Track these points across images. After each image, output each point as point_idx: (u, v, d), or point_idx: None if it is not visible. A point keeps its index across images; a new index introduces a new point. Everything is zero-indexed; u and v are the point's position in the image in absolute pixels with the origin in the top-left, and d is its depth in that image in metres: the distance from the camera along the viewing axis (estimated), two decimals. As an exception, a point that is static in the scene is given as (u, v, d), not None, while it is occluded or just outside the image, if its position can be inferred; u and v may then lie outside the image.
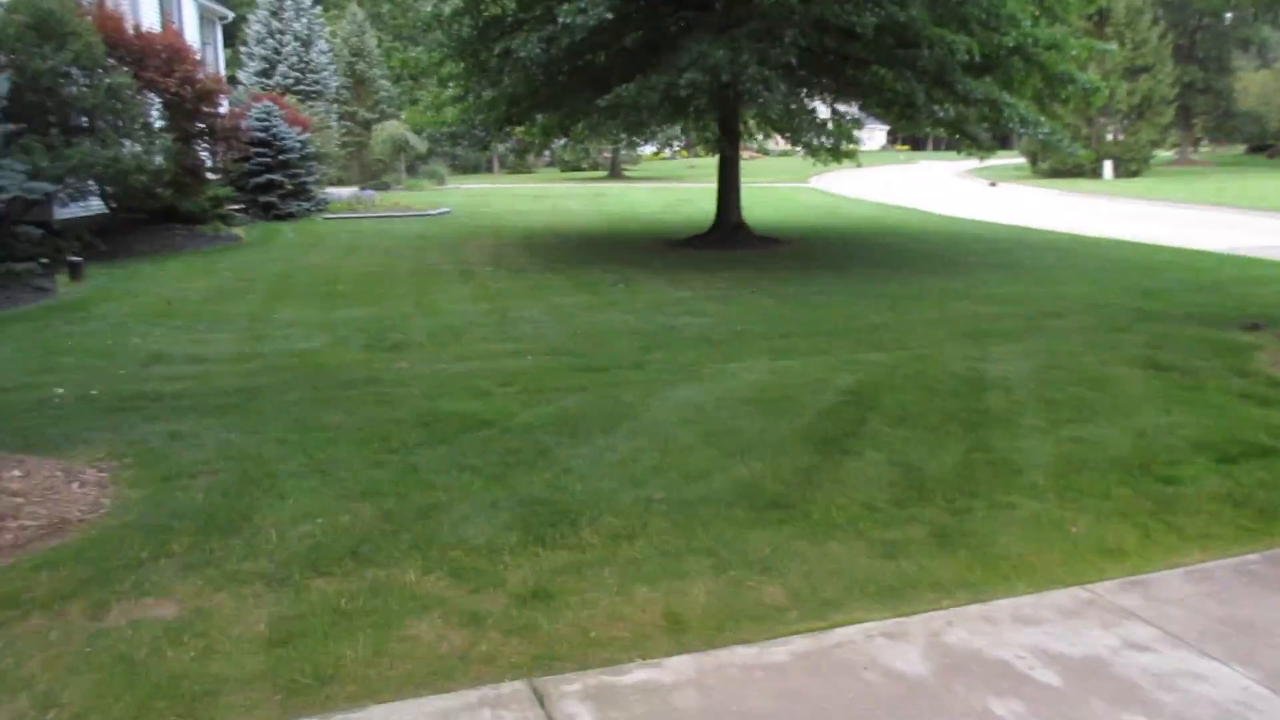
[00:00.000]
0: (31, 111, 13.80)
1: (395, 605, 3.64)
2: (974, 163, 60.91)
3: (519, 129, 17.19)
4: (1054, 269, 13.44)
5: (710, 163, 64.04)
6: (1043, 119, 13.82)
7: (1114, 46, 14.47)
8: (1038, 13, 14.57)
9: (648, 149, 63.05)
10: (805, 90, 16.45)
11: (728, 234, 16.87)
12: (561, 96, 15.02)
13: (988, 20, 13.58)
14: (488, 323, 9.86)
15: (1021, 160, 54.32)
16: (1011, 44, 13.56)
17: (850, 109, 19.44)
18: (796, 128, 19.05)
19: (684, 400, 6.53)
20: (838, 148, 20.21)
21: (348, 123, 39.95)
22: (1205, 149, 62.82)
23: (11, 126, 12.24)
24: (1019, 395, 6.64)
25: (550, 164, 59.61)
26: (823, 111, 18.53)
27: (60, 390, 6.98)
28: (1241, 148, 61.53)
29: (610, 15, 11.75)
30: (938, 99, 13.51)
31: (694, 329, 9.27)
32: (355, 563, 4.00)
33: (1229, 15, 53.01)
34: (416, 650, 3.34)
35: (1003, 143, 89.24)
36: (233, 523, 4.39)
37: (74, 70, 14.65)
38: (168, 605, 3.65)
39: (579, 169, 54.16)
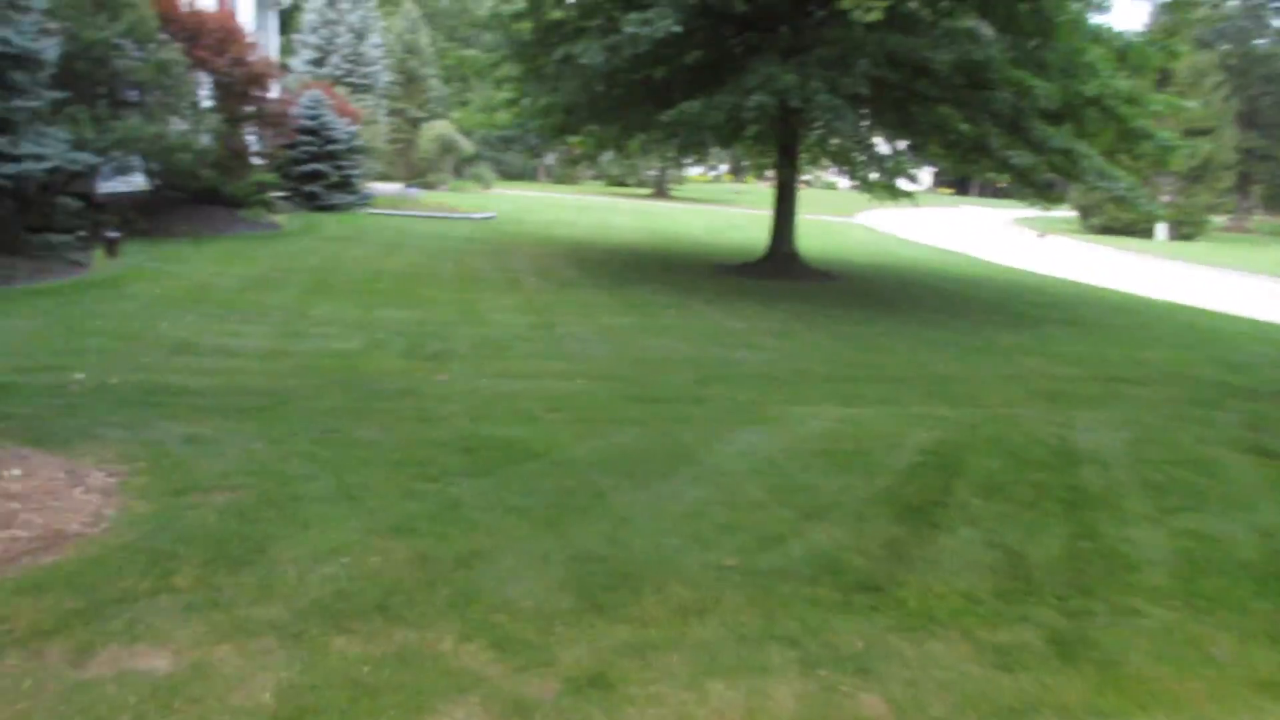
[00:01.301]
0: (81, 82, 13.49)
1: (427, 681, 3.08)
2: (1021, 211, 60.14)
3: (573, 139, 16.70)
4: (1125, 330, 12.75)
5: (756, 189, 63.64)
6: (1119, 173, 13.15)
7: (1195, 104, 13.76)
8: (1118, 64, 13.97)
9: (695, 170, 62.79)
10: (870, 123, 15.90)
11: (781, 264, 16.28)
12: (620, 108, 14.54)
13: (1067, 67, 12.99)
14: (533, 338, 9.32)
15: (1070, 213, 53.54)
16: (1091, 93, 12.97)
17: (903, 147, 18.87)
18: (856, 161, 18.56)
19: (750, 446, 5.95)
20: (894, 185, 19.76)
21: (396, 119, 39.78)
22: (1259, 217, 61.59)
23: (58, 94, 12.00)
24: (1117, 473, 6.00)
25: (596, 177, 59.38)
26: (883, 147, 17.98)
27: (80, 376, 6.51)
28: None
29: (678, 29, 11.23)
30: (1012, 144, 12.87)
31: (753, 364, 8.69)
32: (384, 619, 3.44)
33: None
34: (452, 746, 2.78)
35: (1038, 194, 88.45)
36: (247, 554, 3.85)
37: (126, 43, 14.34)
38: (162, 655, 3.11)
39: (624, 184, 53.82)
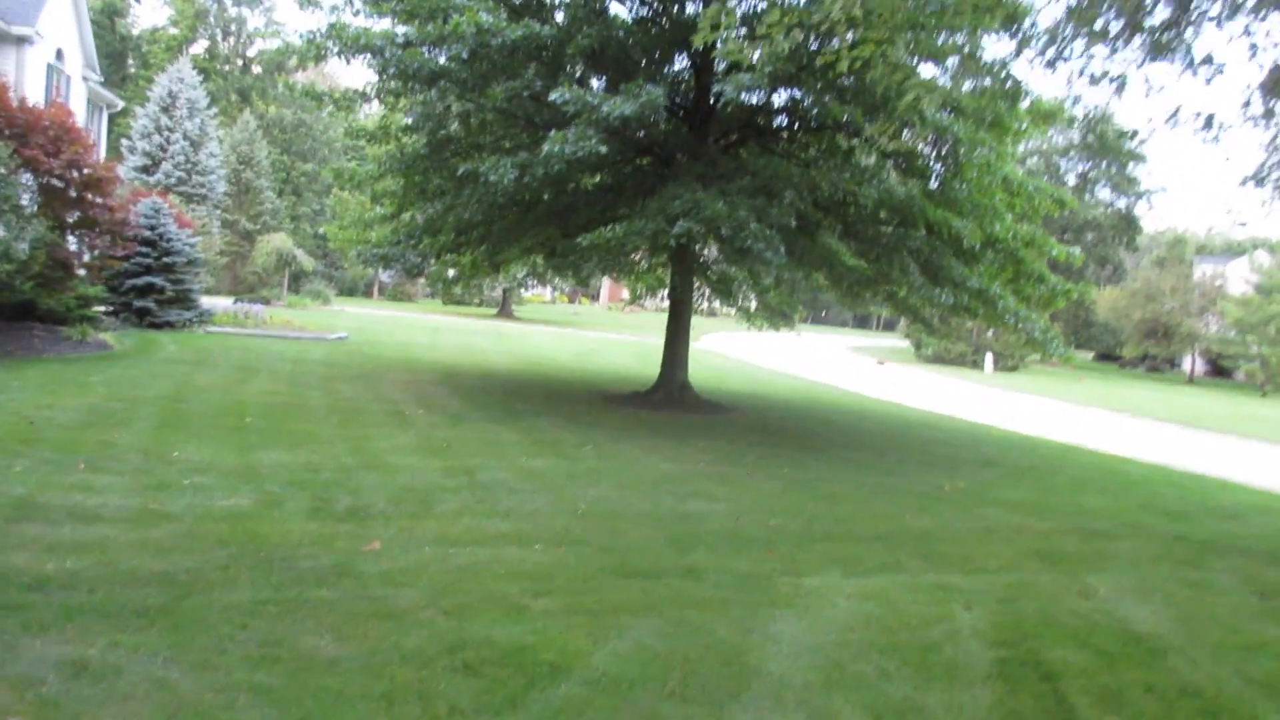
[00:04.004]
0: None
1: None
2: (851, 339, 62.52)
3: (457, 257, 15.54)
4: (1042, 473, 12.47)
5: (591, 310, 63.70)
6: (1033, 315, 13.13)
7: (1078, 251, 14.07)
8: (1014, 210, 14.20)
9: (532, 290, 62.39)
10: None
11: (673, 394, 15.44)
12: (518, 229, 13.57)
13: (975, 209, 13.03)
14: (454, 487, 7.95)
15: (899, 343, 56.17)
16: (1000, 235, 13.02)
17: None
18: (737, 290, 18.22)
19: (797, 642, 4.84)
20: (780, 314, 19.53)
21: (227, 231, 37.42)
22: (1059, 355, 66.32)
23: None
24: (1208, 667, 5.21)
25: (430, 295, 57.83)
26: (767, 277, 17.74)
27: (-115, 561, 4.76)
28: (1091, 354, 65.33)
29: (603, 148, 10.46)
30: (935, 284, 12.63)
31: (716, 519, 7.63)
32: None
33: (1090, 236, 57.11)
34: None
35: (861, 321, 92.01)
36: None
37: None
38: None
39: (462, 303, 52.53)
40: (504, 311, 47.21)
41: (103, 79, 24.10)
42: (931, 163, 13.34)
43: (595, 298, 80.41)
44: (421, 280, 53.45)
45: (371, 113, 30.30)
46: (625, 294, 71.57)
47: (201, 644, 4.05)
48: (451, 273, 17.68)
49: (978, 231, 12.01)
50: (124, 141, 31.47)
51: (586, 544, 6.46)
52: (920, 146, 13.14)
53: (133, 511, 6.25)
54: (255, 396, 12.01)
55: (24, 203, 14.63)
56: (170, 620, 4.30)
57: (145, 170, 30.73)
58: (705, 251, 14.39)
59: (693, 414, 14.75)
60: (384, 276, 56.79)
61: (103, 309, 18.49)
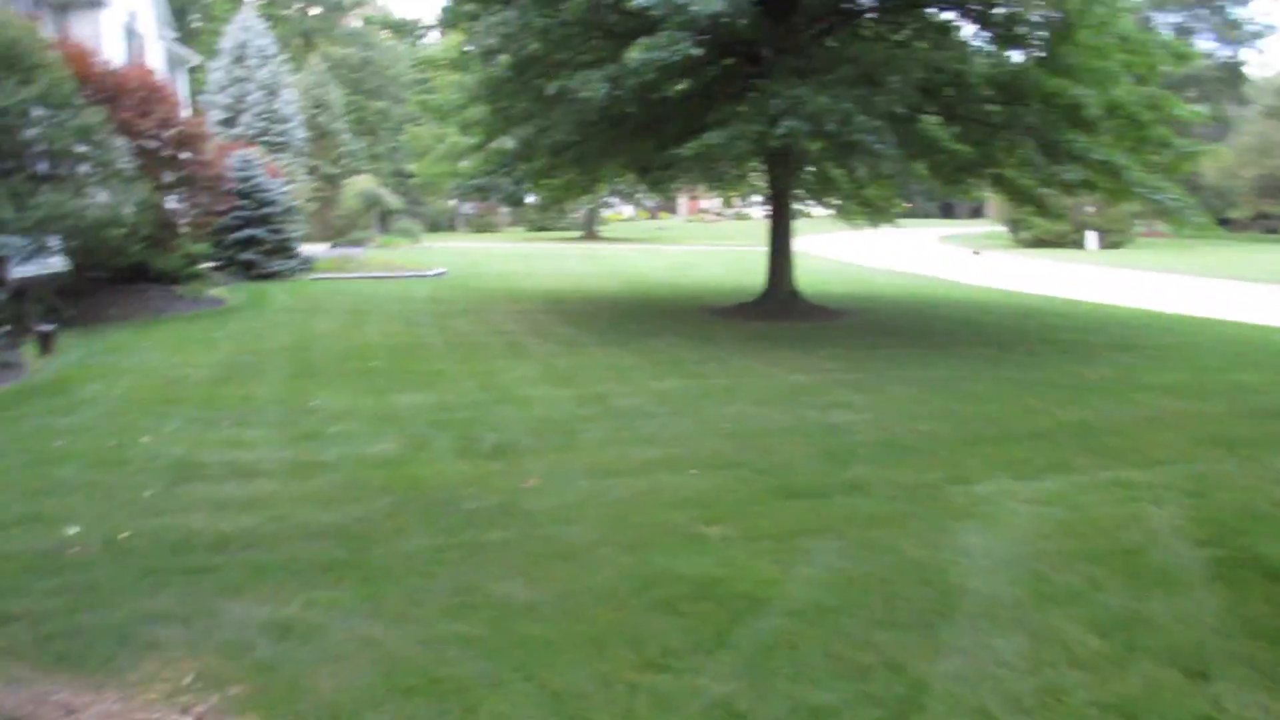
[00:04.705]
0: (-11, 156, 11.68)
1: None
2: (944, 229, 60.61)
3: (553, 180, 15.28)
4: (1184, 351, 11.84)
5: (674, 225, 63.05)
6: (1165, 184, 12.30)
7: (1205, 109, 13.08)
8: (1132, 70, 13.22)
9: (620, 209, 61.90)
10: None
11: (783, 303, 15.08)
12: (613, 145, 13.23)
13: (1090, 76, 12.14)
14: (591, 415, 7.85)
15: (990, 228, 54.20)
16: (1124, 101, 12.15)
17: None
18: (842, 188, 17.56)
19: (993, 555, 4.61)
20: (881, 210, 18.85)
21: (312, 177, 37.73)
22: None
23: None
24: None
25: (514, 223, 57.84)
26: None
27: (74, 530, 4.85)
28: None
29: (698, 51, 9.99)
30: (1053, 160, 11.89)
31: (862, 428, 7.39)
32: None
33: (1192, 92, 53.77)
34: None
35: (946, 210, 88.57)
36: None
37: (38, 109, 12.49)
38: None
39: (546, 229, 52.44)
40: (589, 233, 46.98)
41: (178, 36, 24.21)
42: (1036, 30, 12.44)
43: (674, 212, 79.49)
44: (504, 209, 53.63)
45: (430, 42, 29.82)
46: (704, 206, 70.56)
47: (394, 596, 4.02)
48: (531, 199, 17.39)
49: (1099, 98, 11.19)
50: (200, 97, 31.76)
51: (741, 465, 6.29)
52: (1026, 12, 12.25)
53: (288, 464, 6.30)
54: (374, 339, 12.09)
55: (123, 166, 14.83)
56: (358, 574, 4.28)
57: (226, 124, 31.00)
58: (808, 149, 13.80)
59: (805, 321, 14.42)
60: (466, 208, 56.97)
61: (210, 265, 18.86)
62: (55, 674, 3.23)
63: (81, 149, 12.99)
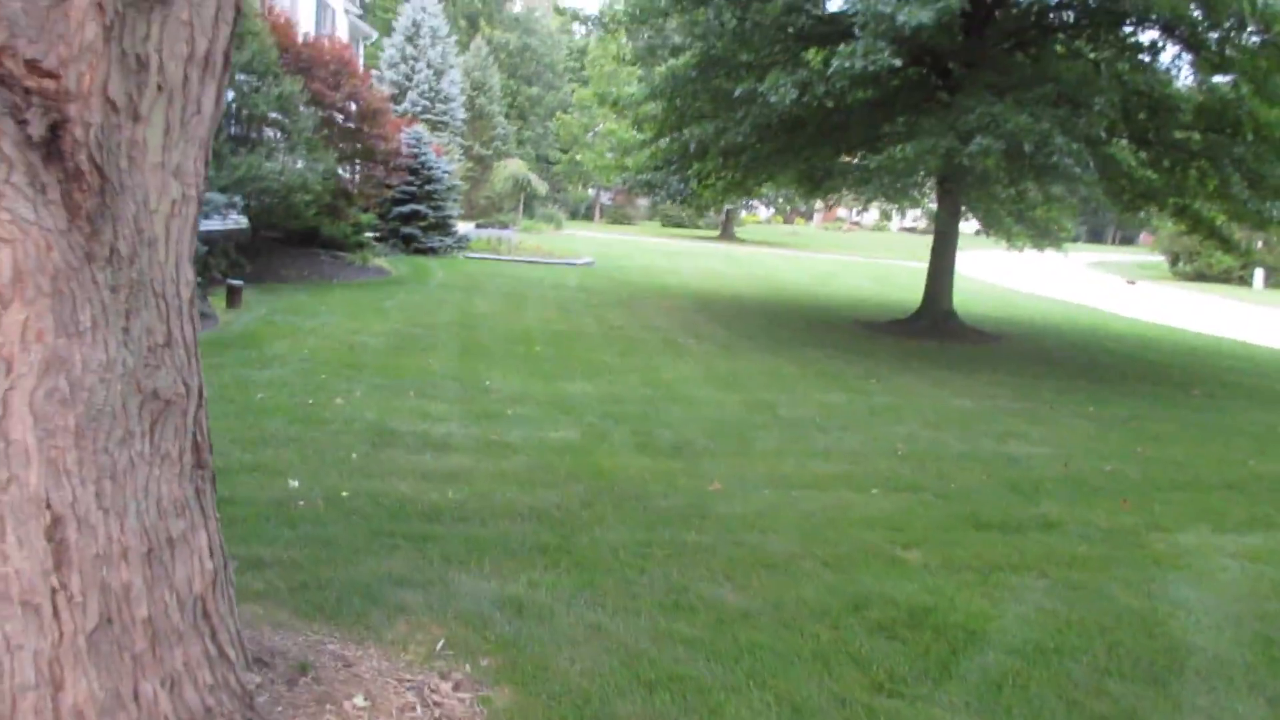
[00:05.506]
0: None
1: None
2: (1091, 255, 58.21)
3: (715, 181, 15.32)
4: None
5: (807, 230, 62.15)
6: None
7: None
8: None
9: (755, 210, 61.59)
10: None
11: (938, 322, 14.79)
12: (791, 150, 13.19)
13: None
14: (762, 423, 7.87)
15: (1142, 257, 51.78)
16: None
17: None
18: (1010, 209, 17.05)
19: (1212, 611, 4.42)
20: (1047, 233, 18.26)
21: (465, 157, 38.81)
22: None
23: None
24: None
25: (650, 217, 58.20)
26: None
27: (294, 483, 5.13)
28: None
29: (896, 62, 9.87)
30: (1259, 194, 11.32)
31: (1043, 463, 7.19)
32: None
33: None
34: None
35: (1094, 235, 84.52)
36: None
37: (244, 76, 13.21)
38: None
39: (682, 225, 52.59)
40: (725, 233, 46.92)
41: (361, 12, 25.20)
42: (1252, 57, 11.79)
43: (810, 217, 78.61)
44: (642, 202, 53.98)
45: (589, 35, 30.20)
46: (839, 214, 69.46)
47: (611, 587, 4.11)
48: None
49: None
50: (373, 72, 32.99)
51: (922, 489, 6.21)
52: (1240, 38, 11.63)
53: (478, 441, 6.51)
54: (534, 324, 12.38)
55: (311, 135, 15.55)
56: (570, 559, 4.40)
57: (394, 100, 32.15)
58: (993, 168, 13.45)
59: (961, 343, 14.10)
60: (605, 199, 57.62)
61: (372, 235, 19.61)
62: (315, 624, 3.43)
63: (275, 116, 13.67)
